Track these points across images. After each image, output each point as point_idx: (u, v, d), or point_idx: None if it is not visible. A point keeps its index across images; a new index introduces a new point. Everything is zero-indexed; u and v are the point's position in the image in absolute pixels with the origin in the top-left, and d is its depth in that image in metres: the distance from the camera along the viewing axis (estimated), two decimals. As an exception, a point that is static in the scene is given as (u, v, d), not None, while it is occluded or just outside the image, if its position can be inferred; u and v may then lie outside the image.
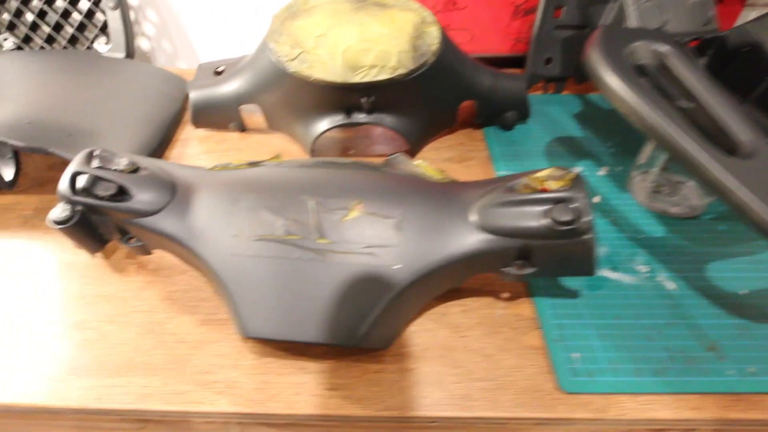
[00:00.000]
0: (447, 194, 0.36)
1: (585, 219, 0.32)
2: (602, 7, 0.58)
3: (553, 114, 0.61)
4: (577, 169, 0.53)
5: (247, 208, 0.35)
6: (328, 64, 0.44)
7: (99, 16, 0.68)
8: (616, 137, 0.56)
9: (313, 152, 0.53)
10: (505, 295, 0.40)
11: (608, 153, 0.55)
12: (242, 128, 0.57)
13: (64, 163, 0.38)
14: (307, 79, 0.45)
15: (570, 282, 0.40)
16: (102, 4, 0.67)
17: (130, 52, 0.69)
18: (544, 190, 0.34)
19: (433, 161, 0.55)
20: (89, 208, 0.35)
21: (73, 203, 0.35)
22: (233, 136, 0.58)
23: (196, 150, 0.56)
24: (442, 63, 0.47)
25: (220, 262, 0.34)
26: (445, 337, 0.37)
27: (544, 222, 0.33)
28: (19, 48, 0.69)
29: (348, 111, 0.49)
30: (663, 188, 0.47)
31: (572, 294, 0.40)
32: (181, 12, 0.73)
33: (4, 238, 0.45)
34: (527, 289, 0.41)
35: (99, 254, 0.42)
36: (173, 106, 0.59)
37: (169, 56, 0.79)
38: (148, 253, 0.39)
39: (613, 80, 0.36)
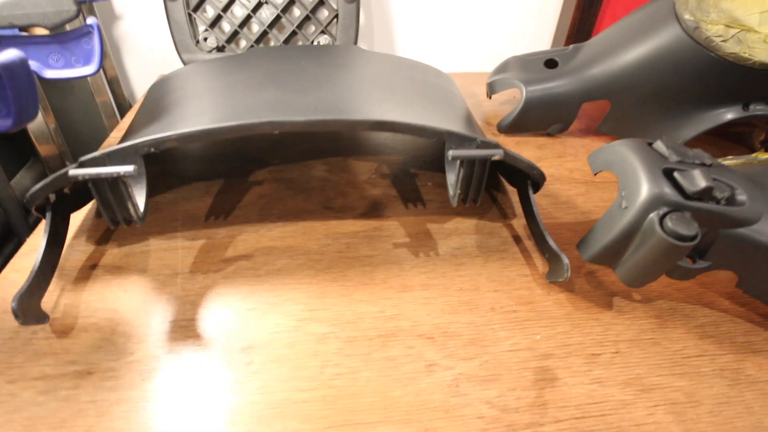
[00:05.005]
0: None
1: None
2: None
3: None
4: None
5: None
6: (772, 45, 0.39)
7: (323, 12, 0.58)
8: None
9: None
10: None
11: None
12: (565, 129, 0.49)
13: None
14: (744, 62, 0.39)
15: None
16: (334, -3, 0.57)
17: (356, 52, 0.59)
18: None
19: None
20: (697, 217, 0.26)
21: (681, 210, 0.25)
22: (549, 141, 0.49)
23: (520, 158, 0.47)
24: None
25: None
26: None
27: None
28: (219, 49, 0.56)
29: (747, 103, 0.43)
30: None
31: None
32: (392, 11, 0.64)
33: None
34: None
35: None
36: (466, 105, 0.50)
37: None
38: (691, 277, 0.30)
39: None
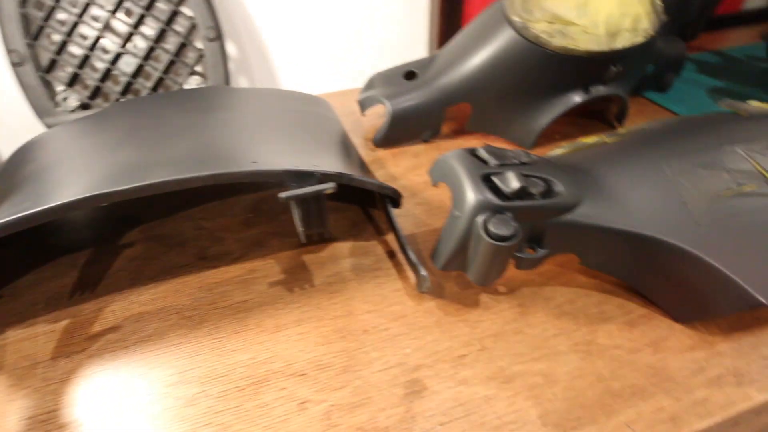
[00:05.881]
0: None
1: None
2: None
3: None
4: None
5: (679, 173, 0.30)
6: (591, 34, 0.42)
7: (188, 54, 0.57)
8: (755, 86, 0.61)
9: (536, 144, 0.49)
10: None
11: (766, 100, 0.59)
12: (436, 134, 0.51)
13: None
14: (571, 52, 0.42)
15: None
16: (196, 38, 0.56)
17: (229, 89, 0.59)
18: None
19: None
20: (518, 215, 0.27)
21: (502, 211, 0.27)
22: (425, 148, 0.51)
23: (400, 169, 0.48)
24: (664, 24, 0.48)
25: (685, 236, 0.28)
26: None
27: None
28: (84, 106, 0.54)
29: (587, 87, 0.46)
30: None
31: None
32: (265, 42, 0.64)
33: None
34: None
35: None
36: (340, 127, 0.51)
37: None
38: (538, 265, 0.32)
39: None
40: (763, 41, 0.70)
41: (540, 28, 0.42)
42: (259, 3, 0.62)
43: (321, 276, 0.36)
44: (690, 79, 0.62)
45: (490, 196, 0.27)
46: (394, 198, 0.36)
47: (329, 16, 0.66)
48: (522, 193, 0.27)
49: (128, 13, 0.53)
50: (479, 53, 0.45)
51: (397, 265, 0.37)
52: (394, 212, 0.37)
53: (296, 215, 0.29)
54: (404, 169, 0.48)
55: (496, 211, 0.27)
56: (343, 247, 0.39)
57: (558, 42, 0.42)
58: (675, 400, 0.27)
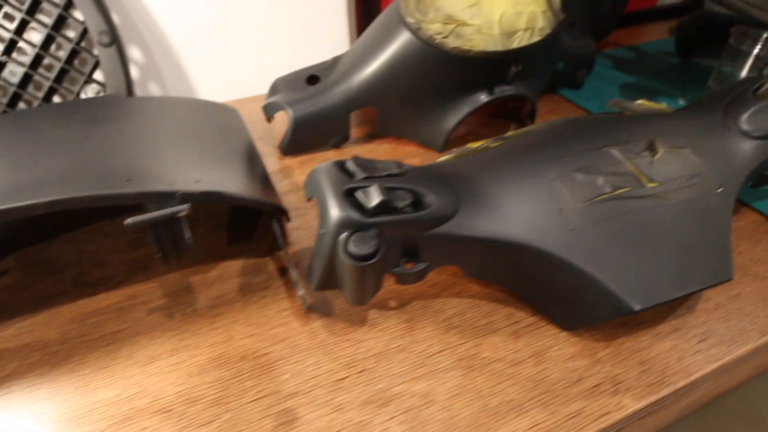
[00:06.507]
0: (701, 116, 0.36)
1: None
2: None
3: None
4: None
5: (556, 178, 0.30)
6: (486, 34, 0.41)
7: (83, 61, 0.53)
8: (665, 82, 0.62)
9: (446, 145, 0.48)
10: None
11: (675, 95, 0.60)
12: (345, 140, 0.49)
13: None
14: (467, 53, 0.41)
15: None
16: (89, 43, 0.52)
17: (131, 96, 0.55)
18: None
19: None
20: (384, 230, 0.26)
21: (366, 228, 0.26)
22: (335, 154, 0.49)
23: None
24: (562, 22, 0.48)
25: (559, 244, 0.28)
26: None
27: None
28: (-35, 121, 0.50)
29: (490, 87, 0.46)
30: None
31: None
32: (174, 47, 0.61)
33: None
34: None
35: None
36: (245, 137, 0.48)
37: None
38: (421, 278, 0.31)
39: None
40: (672, 36, 0.72)
41: (434, 29, 0.41)
42: (165, 5, 0.59)
43: (206, 299, 0.34)
44: (605, 75, 0.63)
45: (352, 213, 0.26)
46: (280, 213, 0.34)
47: (244, 18, 0.63)
48: (385, 207, 0.26)
49: (8, 18, 0.49)
50: (379, 56, 0.44)
51: (288, 283, 0.35)
52: (287, 225, 0.35)
53: (150, 240, 0.27)
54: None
55: (359, 227, 0.26)
56: (234, 265, 0.37)
57: (453, 43, 0.41)
58: (550, 415, 0.27)
